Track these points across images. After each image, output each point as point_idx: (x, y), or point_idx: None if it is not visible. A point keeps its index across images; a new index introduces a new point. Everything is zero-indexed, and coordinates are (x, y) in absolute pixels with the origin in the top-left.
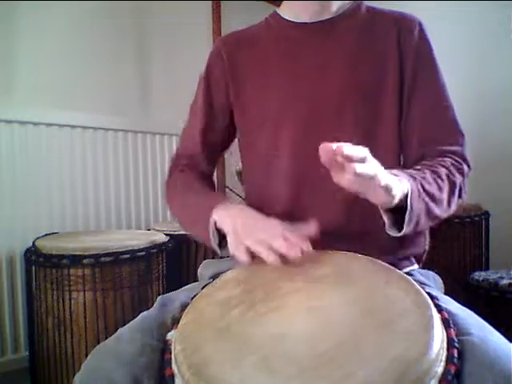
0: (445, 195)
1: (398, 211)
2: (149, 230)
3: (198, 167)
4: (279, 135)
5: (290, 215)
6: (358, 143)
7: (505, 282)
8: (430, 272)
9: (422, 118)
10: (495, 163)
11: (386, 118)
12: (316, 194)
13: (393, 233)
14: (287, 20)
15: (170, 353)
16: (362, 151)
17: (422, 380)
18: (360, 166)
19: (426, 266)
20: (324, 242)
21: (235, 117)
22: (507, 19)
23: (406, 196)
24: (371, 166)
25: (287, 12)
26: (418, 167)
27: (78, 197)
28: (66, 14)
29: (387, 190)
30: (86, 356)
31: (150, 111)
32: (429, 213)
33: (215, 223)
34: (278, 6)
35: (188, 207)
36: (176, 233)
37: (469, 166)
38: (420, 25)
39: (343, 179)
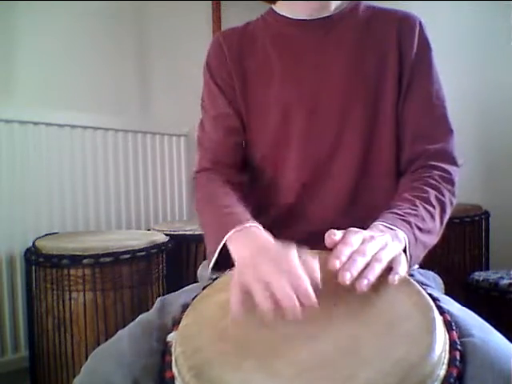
0: (437, 222)
1: None
2: (149, 230)
3: (223, 170)
4: (282, 135)
5: (290, 221)
6: (359, 141)
7: (505, 282)
8: (430, 272)
9: (413, 115)
10: (495, 164)
11: (387, 114)
12: (317, 191)
13: None
14: (285, 17)
15: (171, 355)
16: (354, 254)
17: (424, 383)
18: (366, 279)
19: (426, 266)
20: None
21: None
22: (507, 19)
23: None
24: (378, 266)
25: (284, 9)
26: (410, 198)
27: (78, 197)
28: (66, 14)
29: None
30: (86, 356)
31: (150, 111)
32: (426, 247)
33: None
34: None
35: (207, 224)
36: (176, 233)
37: (456, 164)
38: (420, 24)
39: None
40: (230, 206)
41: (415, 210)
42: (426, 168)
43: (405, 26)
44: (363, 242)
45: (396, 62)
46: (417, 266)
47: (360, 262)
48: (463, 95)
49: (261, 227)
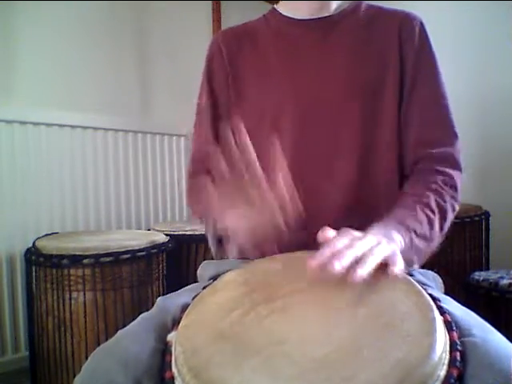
0: (437, 228)
1: None
2: (149, 230)
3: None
4: (279, 134)
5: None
6: (358, 142)
7: (505, 281)
8: (430, 272)
9: (418, 117)
10: (495, 164)
11: (387, 116)
12: (315, 193)
13: None
14: (286, 16)
15: (171, 354)
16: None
17: None
18: (359, 270)
19: (426, 266)
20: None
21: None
22: (507, 19)
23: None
24: (371, 258)
25: (286, 9)
26: (409, 202)
27: (79, 197)
28: (67, 15)
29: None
30: (86, 356)
31: (150, 111)
32: (419, 252)
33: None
34: (277, 4)
35: (200, 211)
36: (176, 233)
37: (460, 170)
38: (421, 24)
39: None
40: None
41: (414, 214)
42: (428, 172)
43: (406, 25)
44: (354, 239)
45: (397, 63)
46: (417, 267)
47: (350, 254)
48: (463, 95)
49: None
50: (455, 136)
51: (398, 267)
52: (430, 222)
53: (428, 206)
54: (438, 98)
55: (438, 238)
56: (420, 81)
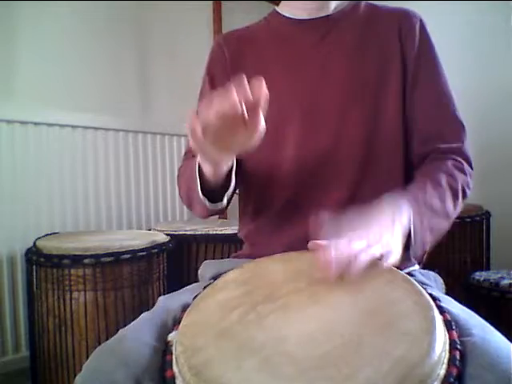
0: (449, 204)
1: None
2: (150, 229)
3: None
4: (281, 134)
5: (289, 219)
6: (359, 140)
7: (506, 282)
8: (431, 272)
9: (423, 115)
10: (496, 164)
11: (389, 114)
12: (317, 193)
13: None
14: (286, 17)
15: (171, 354)
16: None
17: (424, 382)
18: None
19: (426, 266)
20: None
21: None
22: (507, 19)
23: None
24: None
25: (286, 9)
26: (419, 178)
27: (79, 197)
28: (67, 15)
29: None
30: (87, 356)
31: (150, 111)
32: (434, 230)
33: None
34: (278, 5)
35: (186, 180)
36: (177, 233)
37: (470, 165)
38: (421, 21)
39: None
40: None
41: (423, 187)
42: (439, 159)
43: (406, 23)
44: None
45: (398, 61)
46: (417, 267)
47: (344, 256)
48: (463, 95)
49: None
50: (463, 130)
51: (390, 262)
52: (442, 198)
53: (438, 183)
54: (441, 96)
55: (451, 214)
56: (421, 80)
